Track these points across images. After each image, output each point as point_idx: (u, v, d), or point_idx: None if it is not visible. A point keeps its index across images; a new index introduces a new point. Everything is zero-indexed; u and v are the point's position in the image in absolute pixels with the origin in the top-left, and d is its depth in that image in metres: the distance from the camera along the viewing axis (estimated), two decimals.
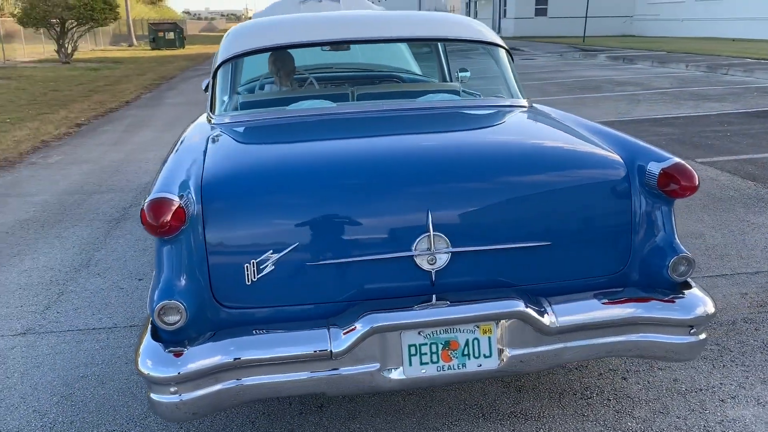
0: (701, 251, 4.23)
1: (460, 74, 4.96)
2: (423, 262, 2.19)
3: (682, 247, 2.31)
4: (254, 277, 2.14)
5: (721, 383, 2.75)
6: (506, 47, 3.49)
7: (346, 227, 2.17)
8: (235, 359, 2.01)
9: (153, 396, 2.02)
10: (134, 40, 43.31)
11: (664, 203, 2.34)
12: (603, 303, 2.25)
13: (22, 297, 3.81)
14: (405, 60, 5.15)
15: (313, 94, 3.55)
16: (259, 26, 3.57)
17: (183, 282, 2.07)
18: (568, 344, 2.23)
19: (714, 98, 11.08)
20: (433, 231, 2.17)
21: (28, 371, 2.97)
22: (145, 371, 1.99)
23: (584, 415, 2.55)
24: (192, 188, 2.15)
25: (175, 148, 2.68)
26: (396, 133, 2.80)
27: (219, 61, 3.26)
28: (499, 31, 40.77)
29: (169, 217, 1.98)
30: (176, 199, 2.03)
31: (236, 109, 3.25)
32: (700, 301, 2.29)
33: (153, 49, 36.24)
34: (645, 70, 16.72)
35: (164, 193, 2.04)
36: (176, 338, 2.06)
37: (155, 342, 2.05)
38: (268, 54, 3.73)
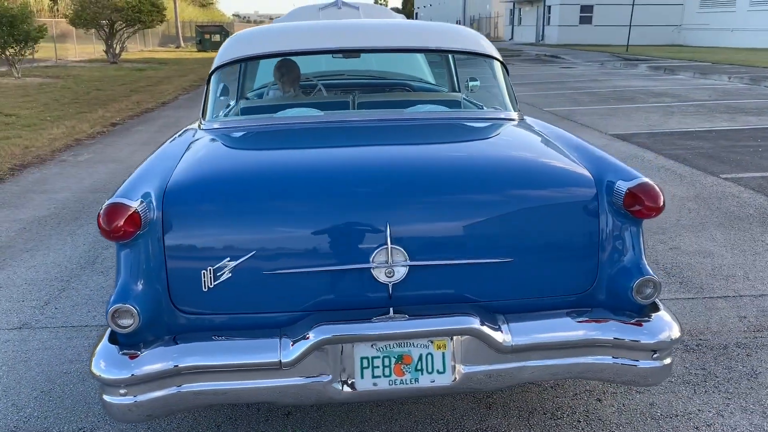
0: (707, 271, 4.11)
1: (470, 83, 4.94)
2: (380, 275, 2.18)
3: (648, 268, 2.25)
4: (211, 284, 2.17)
5: (699, 410, 2.67)
6: (501, 59, 3.46)
7: (304, 237, 2.18)
8: (174, 366, 2.03)
9: (105, 397, 2.07)
10: (182, 41, 44.32)
11: (631, 223, 2.29)
12: (562, 323, 2.21)
13: (26, 292, 3.94)
14: (420, 69, 5.15)
15: (310, 101, 3.59)
16: (257, 33, 3.62)
17: (139, 286, 2.11)
18: (526, 363, 2.20)
19: (752, 112, 10.75)
20: (391, 244, 2.17)
21: (15, 365, 3.07)
22: (97, 372, 2.03)
23: None
24: (154, 194, 2.19)
25: (155, 152, 2.74)
26: (370, 144, 2.80)
27: (213, 67, 3.32)
28: (542, 39, 40.40)
29: (122, 223, 2.03)
30: (133, 204, 2.07)
31: (227, 115, 3.30)
32: (665, 325, 2.23)
33: (199, 50, 37.08)
34: (685, 82, 16.33)
35: (121, 198, 2.09)
36: (132, 341, 2.10)
37: (111, 345, 2.10)
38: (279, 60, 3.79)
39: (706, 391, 2.79)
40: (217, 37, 37.59)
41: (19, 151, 8.16)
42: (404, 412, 2.66)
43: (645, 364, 2.22)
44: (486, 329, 2.12)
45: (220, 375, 2.08)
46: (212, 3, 78.48)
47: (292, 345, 2.06)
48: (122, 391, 2.04)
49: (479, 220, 2.25)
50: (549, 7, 39.72)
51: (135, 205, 2.08)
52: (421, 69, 5.14)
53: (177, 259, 2.16)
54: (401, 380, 2.16)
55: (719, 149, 7.82)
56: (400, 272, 2.19)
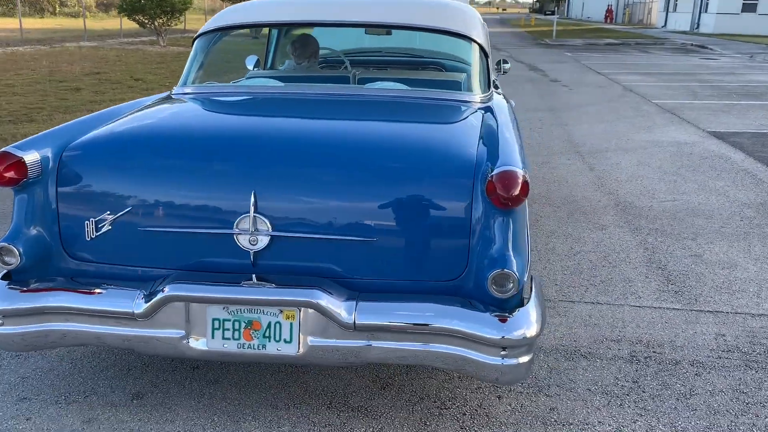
0: (715, 284, 3.75)
1: (503, 65, 4.80)
2: (244, 242, 2.25)
3: (511, 262, 2.13)
4: (93, 234, 2.34)
5: (600, 422, 2.49)
6: (479, 42, 3.34)
7: (176, 199, 2.29)
8: (42, 305, 2.23)
9: None
10: None
11: (498, 212, 2.18)
12: (414, 308, 2.17)
13: None
14: (455, 47, 5.05)
15: (305, 75, 3.70)
16: (252, 4, 3.74)
17: (29, 230, 2.33)
18: (373, 343, 2.19)
19: None
20: (255, 212, 2.22)
21: None
22: None
23: (426, 425, 2.46)
24: (57, 148, 2.39)
25: (105, 110, 2.95)
26: (296, 116, 2.84)
27: (197, 33, 3.51)
28: (697, 27, 37.38)
29: (1, 169, 2.24)
30: (20, 154, 2.28)
31: (203, 81, 3.45)
32: (522, 323, 2.12)
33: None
34: None
35: (10, 148, 2.31)
36: (22, 278, 2.33)
37: (2, 281, 2.34)
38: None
39: (620, 405, 2.60)
40: None
41: None
42: (299, 381, 2.72)
43: (493, 360, 2.12)
44: (328, 304, 2.13)
45: (82, 318, 2.26)
46: None
47: (143, 298, 2.19)
48: (0, 321, 2.28)
49: (347, 198, 2.25)
50: None
51: (23, 155, 2.29)
52: (458, 48, 5.04)
53: (67, 209, 2.35)
54: (249, 345, 2.22)
55: None
56: (263, 241, 2.24)
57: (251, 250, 2.25)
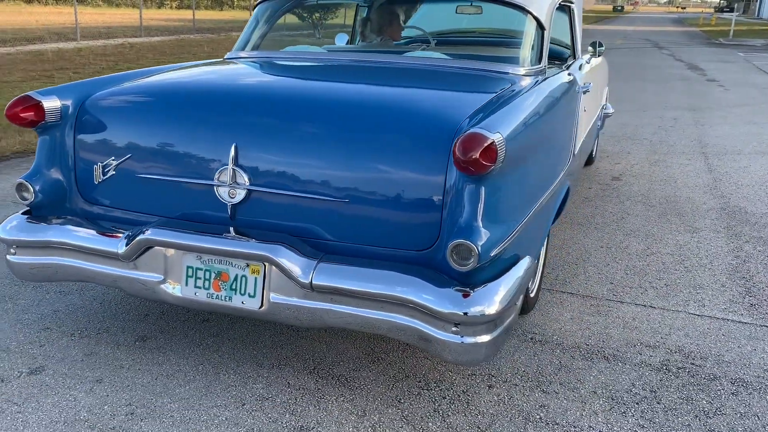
0: (744, 293, 3.23)
1: (599, 48, 4.53)
2: (224, 194, 2.28)
3: (475, 234, 1.96)
4: (101, 178, 2.48)
5: (590, 427, 2.23)
6: (533, 13, 3.11)
7: (167, 150, 2.37)
8: (46, 239, 2.40)
9: (7, 256, 2.53)
10: None
11: (468, 180, 2.01)
12: (375, 274, 2.07)
13: None
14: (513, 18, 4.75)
15: (355, 48, 3.68)
16: None
17: (46, 169, 2.52)
18: (332, 307, 2.12)
19: None
20: (235, 165, 2.24)
21: None
22: (1, 234, 2.49)
23: (400, 402, 2.34)
24: (79, 97, 2.56)
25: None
26: (299, 77, 2.87)
27: (260, 1, 3.60)
28: None
29: (19, 110, 2.43)
30: (40, 98, 2.46)
31: (256, 48, 3.52)
32: (483, 300, 1.95)
33: None
34: None
35: (33, 93, 2.50)
36: (40, 215, 2.53)
37: (23, 215, 2.55)
38: None
39: (623, 413, 2.31)
40: None
41: None
42: (293, 344, 2.70)
43: (444, 336, 1.97)
44: (285, 261, 2.10)
45: (76, 255, 2.40)
46: None
47: (125, 240, 2.29)
48: (12, 251, 2.49)
49: (322, 157, 2.19)
50: None
51: (42, 99, 2.47)
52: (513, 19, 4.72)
53: (82, 153, 2.51)
54: (217, 295, 2.25)
55: None
56: (240, 194, 2.25)
57: (229, 202, 2.27)
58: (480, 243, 1.95)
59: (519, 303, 2.21)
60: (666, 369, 2.60)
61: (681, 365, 2.63)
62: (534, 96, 2.60)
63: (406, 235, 2.13)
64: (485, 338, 1.98)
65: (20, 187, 2.49)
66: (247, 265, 2.21)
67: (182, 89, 2.60)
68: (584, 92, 3.70)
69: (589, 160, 5.78)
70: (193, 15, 23.24)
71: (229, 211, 2.28)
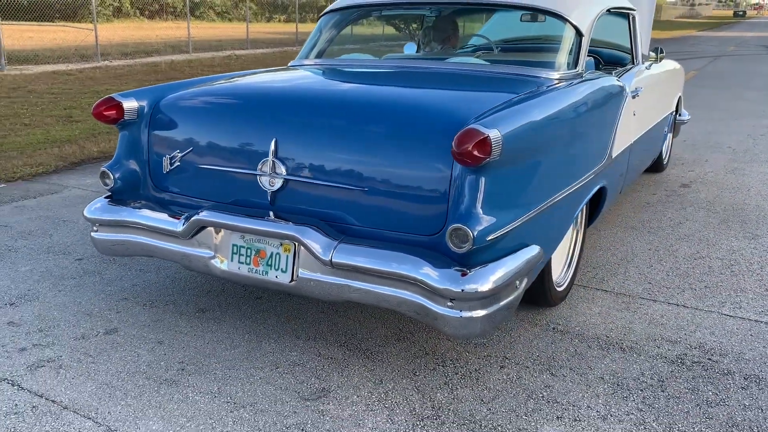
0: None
1: (659, 54, 4.60)
2: (265, 182, 2.61)
3: (472, 220, 2.17)
4: (168, 168, 2.89)
5: (588, 406, 2.37)
6: (570, 20, 3.26)
7: (221, 145, 2.73)
8: (122, 219, 2.82)
9: (91, 233, 2.98)
10: None
11: (468, 171, 2.22)
12: (386, 254, 2.33)
13: None
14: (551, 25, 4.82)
15: (408, 56, 3.96)
16: None
17: (125, 160, 2.96)
18: (349, 282, 2.40)
19: None
20: (274, 157, 2.57)
21: None
22: (85, 213, 2.95)
23: (415, 375, 2.58)
24: (154, 98, 2.98)
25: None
26: (343, 81, 3.16)
27: (323, 12, 3.95)
28: None
29: (102, 109, 2.88)
30: (120, 100, 2.90)
31: (319, 56, 3.86)
32: (478, 279, 2.17)
33: None
34: None
35: (116, 95, 2.93)
36: (119, 198, 2.97)
37: (105, 199, 2.99)
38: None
39: (626, 397, 2.43)
40: None
41: None
42: (330, 321, 2.99)
43: (441, 310, 2.20)
44: (310, 241, 2.39)
45: (143, 232, 2.81)
46: None
47: (183, 220, 2.67)
48: (95, 228, 2.94)
49: (347, 150, 2.48)
50: None
51: (122, 101, 2.90)
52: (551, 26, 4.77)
53: (155, 146, 2.93)
54: (256, 270, 2.58)
55: None
56: (278, 183, 2.58)
57: (269, 190, 2.60)
58: (477, 228, 2.16)
59: (522, 285, 2.40)
60: (680, 362, 2.68)
61: (697, 360, 2.70)
62: (554, 97, 2.77)
63: (419, 222, 2.37)
64: (480, 313, 2.19)
65: (103, 175, 2.93)
66: (281, 244, 2.52)
67: (236, 92, 2.97)
68: (633, 96, 3.78)
69: (659, 167, 5.74)
70: (296, 28, 24.37)
71: (269, 197, 2.61)
